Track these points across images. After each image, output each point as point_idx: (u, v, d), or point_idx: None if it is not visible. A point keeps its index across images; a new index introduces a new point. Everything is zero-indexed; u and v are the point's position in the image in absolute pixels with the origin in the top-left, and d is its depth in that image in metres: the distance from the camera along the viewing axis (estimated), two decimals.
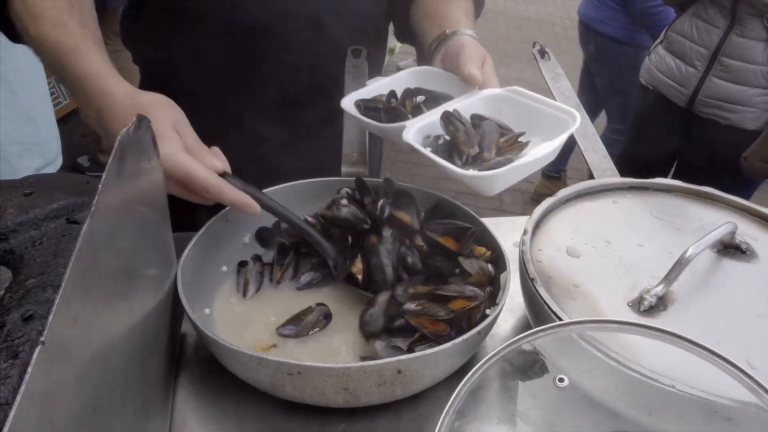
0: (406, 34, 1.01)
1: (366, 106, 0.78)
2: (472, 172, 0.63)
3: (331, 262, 0.73)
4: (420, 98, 0.79)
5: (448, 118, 0.71)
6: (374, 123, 0.75)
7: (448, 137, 0.71)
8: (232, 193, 0.64)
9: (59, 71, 0.68)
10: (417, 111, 0.76)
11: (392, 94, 0.81)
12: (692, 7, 1.79)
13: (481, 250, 0.70)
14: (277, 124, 0.96)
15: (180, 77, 0.90)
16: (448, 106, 0.73)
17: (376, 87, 0.82)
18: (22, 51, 1.29)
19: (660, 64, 1.92)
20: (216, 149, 0.69)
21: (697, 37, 1.78)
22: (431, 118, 0.72)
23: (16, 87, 1.29)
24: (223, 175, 0.66)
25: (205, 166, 0.63)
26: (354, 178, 0.79)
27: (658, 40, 1.97)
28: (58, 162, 1.48)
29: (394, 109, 0.76)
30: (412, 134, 0.69)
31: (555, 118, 0.71)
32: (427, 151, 0.68)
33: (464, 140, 0.68)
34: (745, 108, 1.76)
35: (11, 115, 1.30)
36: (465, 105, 0.74)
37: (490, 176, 0.63)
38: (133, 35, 0.96)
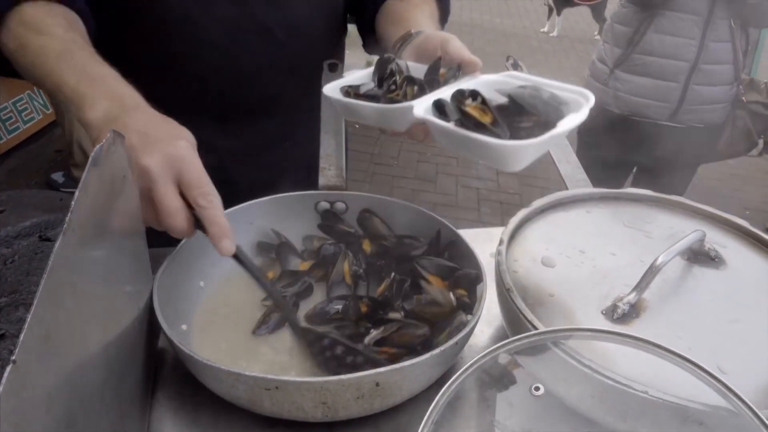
0: (374, 45, 1.00)
1: (356, 93, 0.71)
2: (504, 141, 0.55)
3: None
4: (419, 82, 0.71)
5: (461, 96, 0.62)
6: (374, 105, 0.68)
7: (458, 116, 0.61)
8: (222, 213, 0.59)
9: (57, 75, 0.65)
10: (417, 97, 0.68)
11: (391, 73, 0.72)
12: (653, 24, 1.77)
13: (463, 292, 0.70)
14: (239, 137, 0.98)
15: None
16: (452, 87, 0.66)
17: (358, 77, 0.75)
18: None
19: (631, 89, 1.88)
20: None
21: (672, 53, 1.78)
22: (440, 95, 0.64)
23: None
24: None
25: None
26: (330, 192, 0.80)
27: (610, 67, 1.91)
28: None
29: (394, 95, 0.69)
30: (423, 110, 0.62)
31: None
32: (449, 124, 0.60)
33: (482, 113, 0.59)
34: (717, 105, 1.86)
35: None
36: (467, 87, 0.66)
37: (524, 146, 0.55)
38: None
